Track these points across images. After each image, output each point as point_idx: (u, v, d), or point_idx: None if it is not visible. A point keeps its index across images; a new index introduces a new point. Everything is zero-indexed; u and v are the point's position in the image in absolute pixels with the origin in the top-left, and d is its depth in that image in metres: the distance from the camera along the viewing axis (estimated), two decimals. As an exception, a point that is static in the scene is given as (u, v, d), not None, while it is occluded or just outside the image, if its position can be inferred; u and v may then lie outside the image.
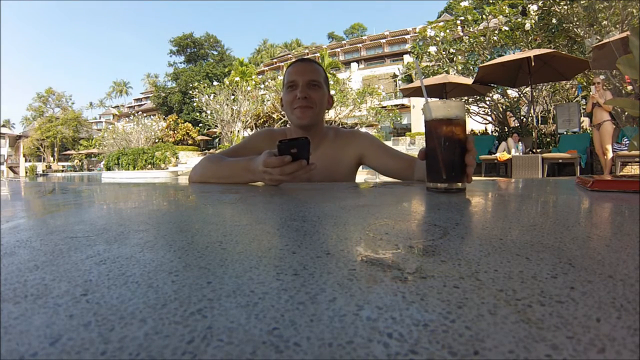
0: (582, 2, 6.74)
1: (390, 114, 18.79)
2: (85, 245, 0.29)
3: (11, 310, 0.17)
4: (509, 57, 6.40)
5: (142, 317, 0.16)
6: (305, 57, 1.62)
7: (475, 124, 10.79)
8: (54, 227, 0.37)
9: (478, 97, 8.75)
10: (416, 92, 7.96)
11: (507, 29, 7.87)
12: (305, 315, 0.16)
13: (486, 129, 10.16)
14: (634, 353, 0.13)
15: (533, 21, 7.38)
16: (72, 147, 34.51)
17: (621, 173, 4.92)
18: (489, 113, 9.22)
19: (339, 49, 39.57)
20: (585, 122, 7.96)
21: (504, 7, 7.76)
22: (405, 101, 23.38)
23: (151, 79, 53.73)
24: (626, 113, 0.60)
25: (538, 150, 6.54)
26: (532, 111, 7.90)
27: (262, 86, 16.13)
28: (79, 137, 35.69)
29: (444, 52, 8.96)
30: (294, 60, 1.24)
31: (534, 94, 7.69)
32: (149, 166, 14.45)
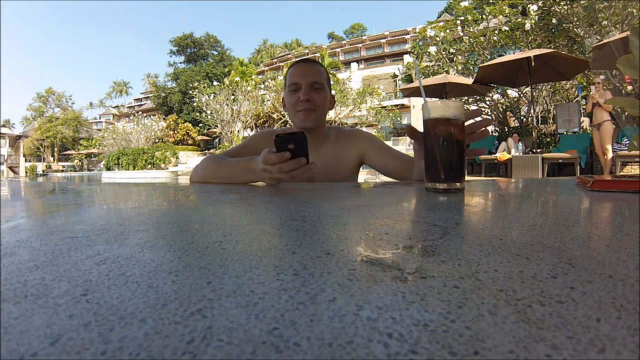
0: (582, 2, 6.75)
1: (390, 114, 18.79)
2: (85, 245, 0.29)
3: (11, 310, 0.17)
4: (509, 57, 6.40)
5: (142, 317, 0.16)
6: (307, 57, 1.56)
7: (475, 124, 10.76)
8: (54, 227, 0.37)
9: (478, 97, 8.75)
10: (416, 92, 7.96)
11: (507, 29, 7.88)
12: (305, 315, 0.16)
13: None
14: (634, 353, 0.13)
15: (533, 21, 7.38)
16: (72, 147, 34.52)
17: (621, 173, 4.92)
18: (489, 113, 9.22)
19: (339, 49, 39.57)
20: (585, 122, 7.96)
21: (504, 7, 7.77)
22: (405, 101, 23.36)
23: (151, 79, 53.74)
24: (626, 113, 0.60)
25: (538, 150, 6.54)
26: (532, 111, 7.90)
27: (262, 86, 16.12)
28: (79, 137, 35.70)
29: (444, 52, 8.96)
30: (295, 60, 1.24)
31: (534, 94, 7.69)
32: (149, 166, 14.46)
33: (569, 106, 7.26)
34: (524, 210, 0.46)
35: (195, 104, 17.04)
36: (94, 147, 28.15)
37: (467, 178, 0.75)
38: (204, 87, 15.79)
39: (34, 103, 44.67)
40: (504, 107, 8.88)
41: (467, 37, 8.62)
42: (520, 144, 6.94)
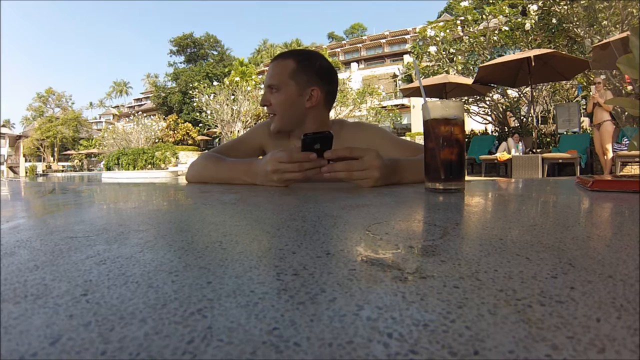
0: (582, 2, 6.75)
1: (390, 114, 18.79)
2: (85, 245, 0.29)
3: (11, 310, 0.17)
4: (509, 57, 6.41)
5: (142, 317, 0.16)
6: (280, 53, 1.09)
7: (475, 124, 10.80)
8: (54, 227, 0.37)
9: (478, 97, 8.75)
10: (416, 92, 7.97)
11: (507, 29, 7.88)
12: (305, 315, 0.16)
13: (486, 129, 10.16)
14: (634, 353, 0.13)
15: (533, 21, 7.38)
16: (72, 147, 34.52)
17: (621, 173, 4.92)
18: (489, 113, 9.23)
19: (339, 49, 39.58)
20: (585, 122, 7.96)
21: (504, 7, 7.77)
22: (405, 101, 23.37)
23: (151, 79, 53.72)
24: (626, 113, 0.60)
25: (538, 150, 6.54)
26: (532, 111, 7.90)
27: (262, 86, 16.06)
28: (79, 137, 35.70)
29: (444, 52, 8.96)
30: None
31: (534, 94, 7.69)
32: (149, 166, 14.45)
33: (569, 106, 7.26)
34: (524, 210, 0.46)
35: (195, 104, 17.03)
36: (94, 147, 28.15)
37: (467, 178, 0.75)
38: (204, 87, 15.78)
39: (34, 103, 44.72)
40: (504, 107, 8.88)
41: (467, 37, 8.62)
42: (520, 144, 6.95)
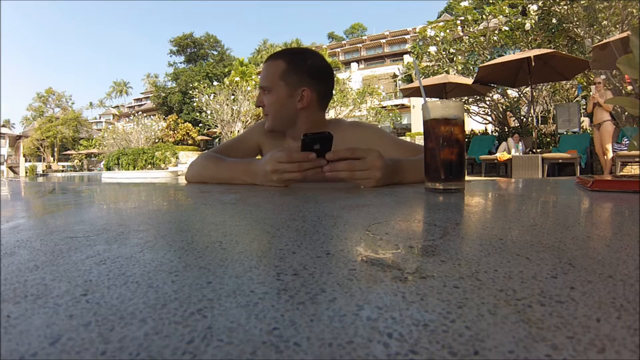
0: (582, 2, 6.75)
1: (390, 114, 18.79)
2: (85, 245, 0.29)
3: (11, 310, 0.17)
4: (509, 57, 6.41)
5: (142, 317, 0.16)
6: (274, 52, 1.05)
7: (475, 124, 10.80)
8: (54, 227, 0.37)
9: (478, 97, 8.75)
10: (416, 92, 7.97)
11: (507, 29, 7.88)
12: (305, 315, 0.16)
13: (486, 129, 10.16)
14: (634, 353, 0.13)
15: (533, 21, 7.38)
16: (72, 147, 34.52)
17: (621, 173, 4.92)
18: (489, 113, 9.23)
19: (339, 49, 39.58)
20: (585, 122, 7.96)
21: (504, 7, 7.77)
22: (405, 101, 23.37)
23: (151, 79, 53.70)
24: (626, 113, 0.61)
25: (538, 150, 6.55)
26: (532, 111, 7.90)
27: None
28: (79, 137, 35.70)
29: (444, 52, 8.97)
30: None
31: (534, 94, 7.69)
32: (149, 166, 14.45)
33: (569, 106, 7.26)
34: (524, 210, 0.46)
35: (195, 104, 17.03)
36: (94, 147, 28.14)
37: (467, 178, 0.75)
38: (204, 87, 15.78)
39: (34, 103, 44.72)
40: (504, 107, 8.88)
41: (467, 37, 8.62)
42: (520, 144, 6.95)
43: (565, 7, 7.10)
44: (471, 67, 8.66)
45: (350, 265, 0.23)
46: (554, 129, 7.81)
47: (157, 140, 20.03)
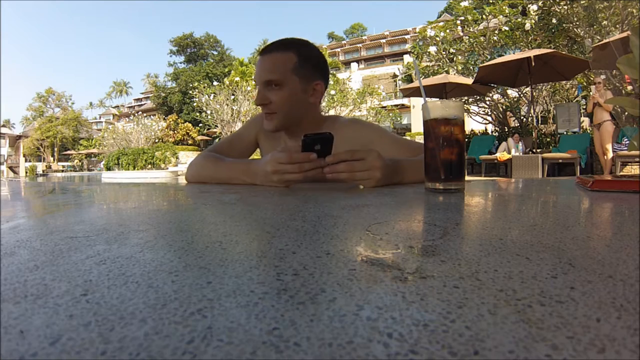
0: (582, 2, 6.75)
1: (390, 114, 18.78)
2: (85, 245, 0.29)
3: (11, 310, 0.17)
4: (509, 57, 6.41)
5: (142, 317, 0.16)
6: (271, 43, 0.99)
7: (475, 124, 10.80)
8: (54, 227, 0.37)
9: (478, 97, 8.75)
10: (416, 92, 7.97)
11: (507, 29, 7.88)
12: (305, 315, 0.16)
13: (486, 129, 10.16)
14: (634, 353, 0.13)
15: (533, 21, 7.38)
16: (72, 147, 34.52)
17: (621, 173, 4.92)
18: (489, 113, 9.22)
19: (339, 49, 39.58)
20: (585, 122, 7.96)
21: (504, 7, 7.77)
22: (405, 101, 23.37)
23: (151, 79, 53.67)
24: (626, 113, 0.61)
25: (538, 150, 6.55)
26: (532, 111, 7.90)
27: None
28: (79, 137, 35.70)
29: (444, 52, 8.97)
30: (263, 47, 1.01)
31: (534, 94, 7.69)
32: (149, 166, 14.44)
33: (569, 106, 7.26)
34: (524, 210, 0.46)
35: (195, 104, 17.01)
36: (94, 147, 28.13)
37: (467, 178, 0.75)
38: (204, 87, 15.77)
39: (34, 103, 44.72)
40: (504, 107, 8.88)
41: (467, 37, 8.62)
42: (520, 144, 6.95)
43: (565, 7, 7.10)
44: (471, 67, 8.66)
45: (350, 265, 0.23)
46: (554, 129, 7.81)
47: (157, 140, 20.02)
